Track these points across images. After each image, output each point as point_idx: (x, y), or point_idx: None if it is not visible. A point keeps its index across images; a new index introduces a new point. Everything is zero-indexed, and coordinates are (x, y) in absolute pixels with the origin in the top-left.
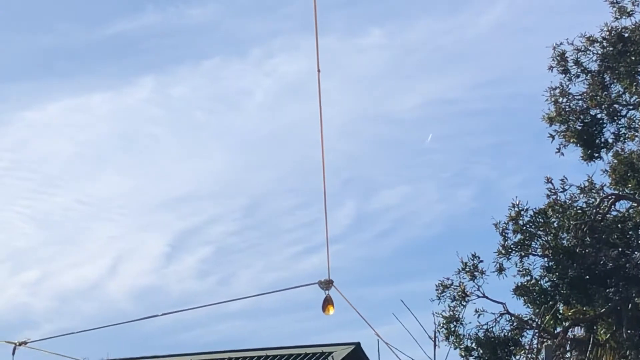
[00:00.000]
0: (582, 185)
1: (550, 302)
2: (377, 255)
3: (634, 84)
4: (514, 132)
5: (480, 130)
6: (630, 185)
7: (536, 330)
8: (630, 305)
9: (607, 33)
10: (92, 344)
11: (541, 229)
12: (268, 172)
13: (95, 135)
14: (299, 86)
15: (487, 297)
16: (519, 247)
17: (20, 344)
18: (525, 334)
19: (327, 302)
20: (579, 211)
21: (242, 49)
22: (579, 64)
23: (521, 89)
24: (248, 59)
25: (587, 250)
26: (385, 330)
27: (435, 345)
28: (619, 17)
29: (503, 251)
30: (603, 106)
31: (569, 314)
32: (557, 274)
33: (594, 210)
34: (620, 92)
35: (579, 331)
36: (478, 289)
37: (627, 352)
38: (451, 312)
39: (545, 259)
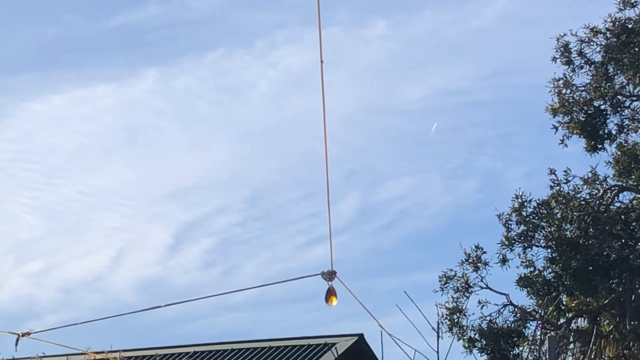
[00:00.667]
0: (586, 177)
1: (554, 294)
2: (381, 247)
3: (638, 75)
4: (518, 123)
5: (484, 121)
6: (633, 177)
7: (539, 322)
8: (633, 296)
9: (611, 24)
10: (96, 335)
11: (544, 220)
12: (272, 163)
13: (99, 127)
14: (304, 78)
15: (490, 289)
16: (522, 238)
17: (23, 335)
18: (528, 325)
19: (330, 293)
20: (583, 202)
21: (246, 40)
22: (583, 55)
23: (526, 81)
24: (252, 50)
25: (590, 242)
26: (389, 321)
27: (438, 337)
28: (623, 8)
29: (506, 242)
30: (607, 97)
31: (573, 305)
32: (560, 265)
33: (598, 202)
34: (624, 84)
35: (582, 322)
36: (481, 280)
37: (631, 343)
38: (454, 304)
39: (549, 250)
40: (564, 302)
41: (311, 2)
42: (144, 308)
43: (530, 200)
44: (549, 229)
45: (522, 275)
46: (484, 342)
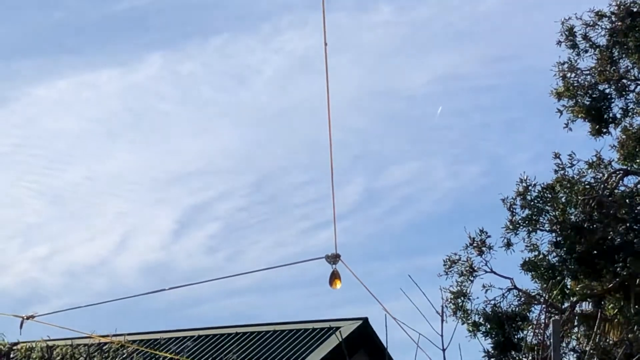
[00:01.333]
0: (590, 161)
1: (558, 277)
2: (386, 231)
3: None
4: (523, 107)
5: (489, 106)
6: (638, 160)
7: (544, 306)
8: (638, 280)
9: (616, 8)
10: (101, 319)
11: (549, 204)
12: (277, 148)
13: (104, 112)
14: (309, 62)
15: (494, 273)
16: (526, 222)
17: (27, 318)
18: (532, 309)
19: (334, 276)
20: (587, 186)
21: (251, 25)
22: (588, 38)
23: (530, 65)
24: (257, 35)
25: (595, 226)
26: (393, 305)
27: (442, 321)
28: None
29: (511, 226)
30: (611, 81)
31: (577, 289)
32: (565, 249)
33: (602, 186)
34: (629, 67)
35: (586, 306)
36: (486, 264)
37: (635, 327)
38: (459, 288)
39: (553, 234)
40: (569, 286)
41: None
42: (148, 291)
43: (534, 184)
44: (554, 213)
45: (527, 259)
46: (488, 326)
